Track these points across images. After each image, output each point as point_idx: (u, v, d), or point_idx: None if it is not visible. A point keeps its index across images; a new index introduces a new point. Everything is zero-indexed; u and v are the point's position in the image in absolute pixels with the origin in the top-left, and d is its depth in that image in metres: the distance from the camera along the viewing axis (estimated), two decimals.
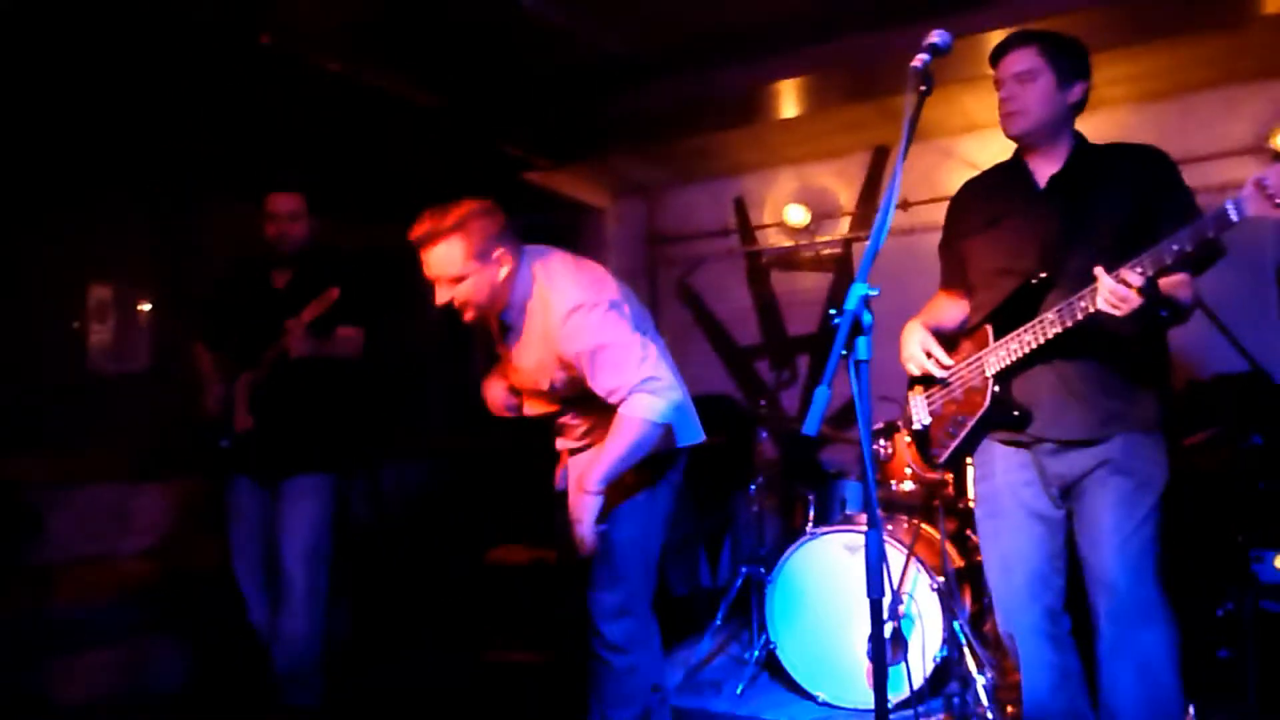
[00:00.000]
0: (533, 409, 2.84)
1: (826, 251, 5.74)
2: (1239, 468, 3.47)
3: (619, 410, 2.48)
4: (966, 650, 3.31)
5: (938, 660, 3.34)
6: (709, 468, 5.46)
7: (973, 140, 5.07)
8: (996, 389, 2.38)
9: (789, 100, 4.71)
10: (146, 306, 4.66)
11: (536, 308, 2.58)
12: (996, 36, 3.80)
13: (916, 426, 2.63)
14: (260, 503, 3.42)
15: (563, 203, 6.03)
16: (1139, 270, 2.00)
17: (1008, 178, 2.51)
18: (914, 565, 3.40)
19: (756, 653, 3.80)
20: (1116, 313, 2.04)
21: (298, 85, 4.09)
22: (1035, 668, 2.43)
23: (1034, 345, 2.28)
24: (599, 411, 2.61)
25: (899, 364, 2.65)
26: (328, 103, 4.30)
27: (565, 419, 2.81)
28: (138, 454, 4.22)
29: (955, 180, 3.36)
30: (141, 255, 4.59)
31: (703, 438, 2.81)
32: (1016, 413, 2.36)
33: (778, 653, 3.65)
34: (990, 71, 4.07)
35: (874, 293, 1.65)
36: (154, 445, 4.24)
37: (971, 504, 3.69)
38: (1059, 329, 2.22)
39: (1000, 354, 2.37)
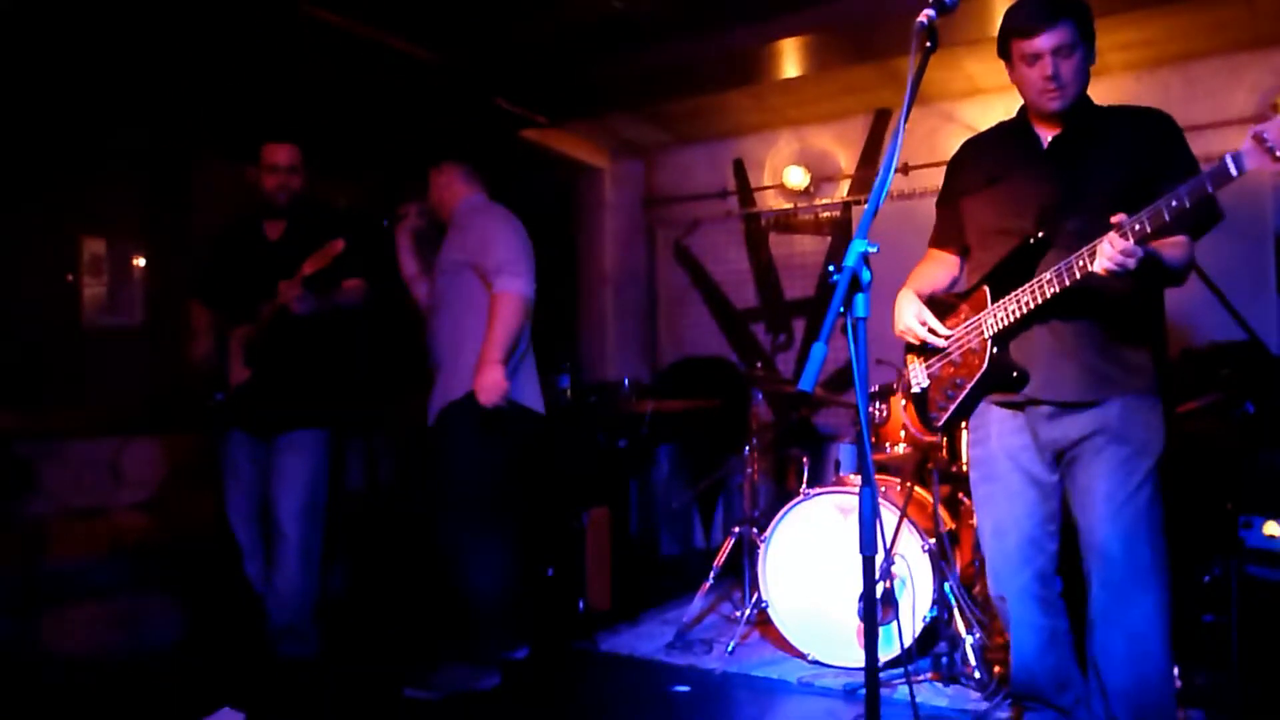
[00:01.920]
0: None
1: (825, 214, 5.71)
2: (1230, 435, 3.49)
3: (496, 291, 3.23)
4: (956, 611, 3.34)
5: (927, 620, 3.37)
6: (704, 430, 5.51)
7: (975, 105, 5.03)
8: (994, 350, 2.37)
9: (790, 61, 4.66)
10: (141, 261, 4.64)
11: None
12: (1002, 1, 3.79)
13: (915, 390, 2.62)
14: (255, 456, 3.43)
15: (560, 162, 5.99)
16: (1137, 227, 2.00)
17: (1011, 137, 2.48)
18: (906, 527, 3.42)
19: (748, 611, 3.84)
20: (1116, 269, 2.03)
21: (294, 40, 4.03)
22: (1024, 629, 2.46)
23: (1031, 306, 2.27)
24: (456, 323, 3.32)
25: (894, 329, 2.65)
26: (324, 58, 4.25)
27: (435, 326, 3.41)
28: (131, 408, 4.22)
29: (956, 145, 3.30)
30: (136, 209, 4.56)
31: (541, 410, 3.48)
32: (1015, 374, 2.35)
33: (769, 612, 3.68)
34: (994, 35, 4.01)
35: (873, 249, 1.64)
36: (148, 399, 4.24)
37: (965, 468, 3.72)
38: (1056, 288, 2.21)
39: (998, 315, 2.36)
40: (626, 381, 5.02)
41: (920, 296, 2.58)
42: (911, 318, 2.52)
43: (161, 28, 3.84)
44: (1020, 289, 2.30)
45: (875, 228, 1.70)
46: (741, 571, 4.05)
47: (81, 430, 4.08)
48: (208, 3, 3.71)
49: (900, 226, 3.79)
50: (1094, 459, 2.31)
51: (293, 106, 4.46)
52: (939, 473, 3.64)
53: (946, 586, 3.37)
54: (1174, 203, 1.94)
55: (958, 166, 2.64)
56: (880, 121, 5.51)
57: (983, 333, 2.40)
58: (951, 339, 2.49)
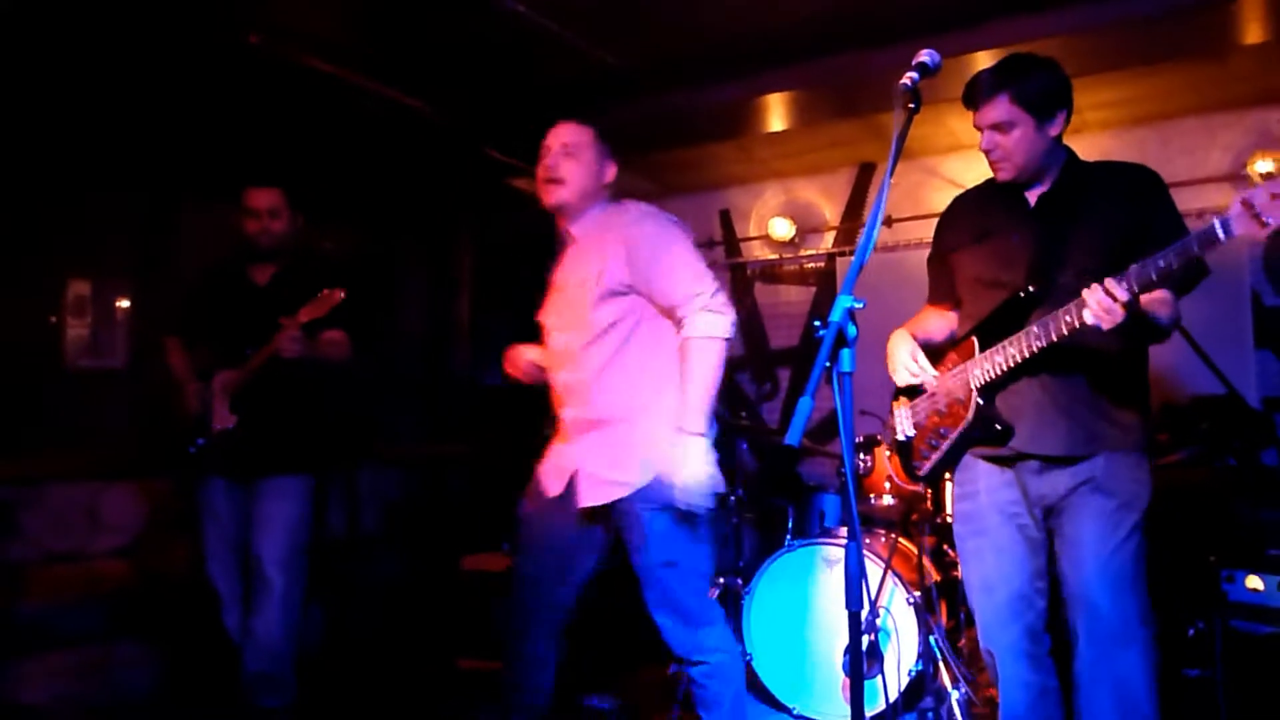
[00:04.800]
0: (554, 362, 2.72)
1: (810, 265, 5.77)
2: (1212, 488, 3.52)
3: (685, 334, 2.46)
4: (942, 665, 3.32)
5: (913, 674, 3.35)
6: None
7: (957, 160, 5.11)
8: (980, 402, 2.36)
9: (776, 115, 4.74)
10: (125, 303, 4.63)
11: (607, 216, 2.72)
12: (984, 58, 3.87)
13: (900, 438, 2.62)
14: (236, 503, 3.39)
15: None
16: (1124, 285, 2.00)
17: (999, 194, 2.50)
18: (891, 579, 3.41)
19: None
20: (1102, 325, 2.03)
21: (284, 86, 4.07)
22: (1013, 685, 2.43)
23: (1019, 358, 2.27)
24: (617, 371, 2.56)
25: (881, 379, 2.66)
26: (314, 104, 4.29)
27: (577, 375, 2.61)
28: (112, 452, 4.18)
29: (939, 198, 3.38)
30: (122, 252, 4.55)
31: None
32: (999, 427, 2.35)
33: (754, 664, 3.65)
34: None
35: (859, 305, 1.66)
36: (128, 443, 4.20)
37: (949, 519, 3.72)
38: (1043, 342, 2.21)
39: (985, 366, 2.36)
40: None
41: (915, 339, 2.59)
42: (905, 354, 2.52)
43: (153, 71, 3.87)
44: (1008, 340, 2.30)
45: (859, 279, 1.72)
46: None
47: (61, 474, 4.04)
48: (200, 48, 3.75)
49: (884, 278, 3.85)
50: (1081, 511, 2.31)
51: (281, 153, 4.49)
52: (924, 524, 3.65)
53: (932, 640, 3.35)
54: (1161, 263, 1.96)
55: (947, 223, 2.66)
56: (864, 175, 5.59)
57: (969, 383, 2.40)
58: (939, 385, 2.49)
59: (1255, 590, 2.97)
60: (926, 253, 2.75)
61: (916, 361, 2.50)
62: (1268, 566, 2.99)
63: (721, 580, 4.03)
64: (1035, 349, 2.23)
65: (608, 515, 2.59)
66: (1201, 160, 4.57)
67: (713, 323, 2.46)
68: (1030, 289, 2.31)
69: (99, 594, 4.03)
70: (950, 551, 3.93)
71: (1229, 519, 3.35)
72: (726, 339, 2.48)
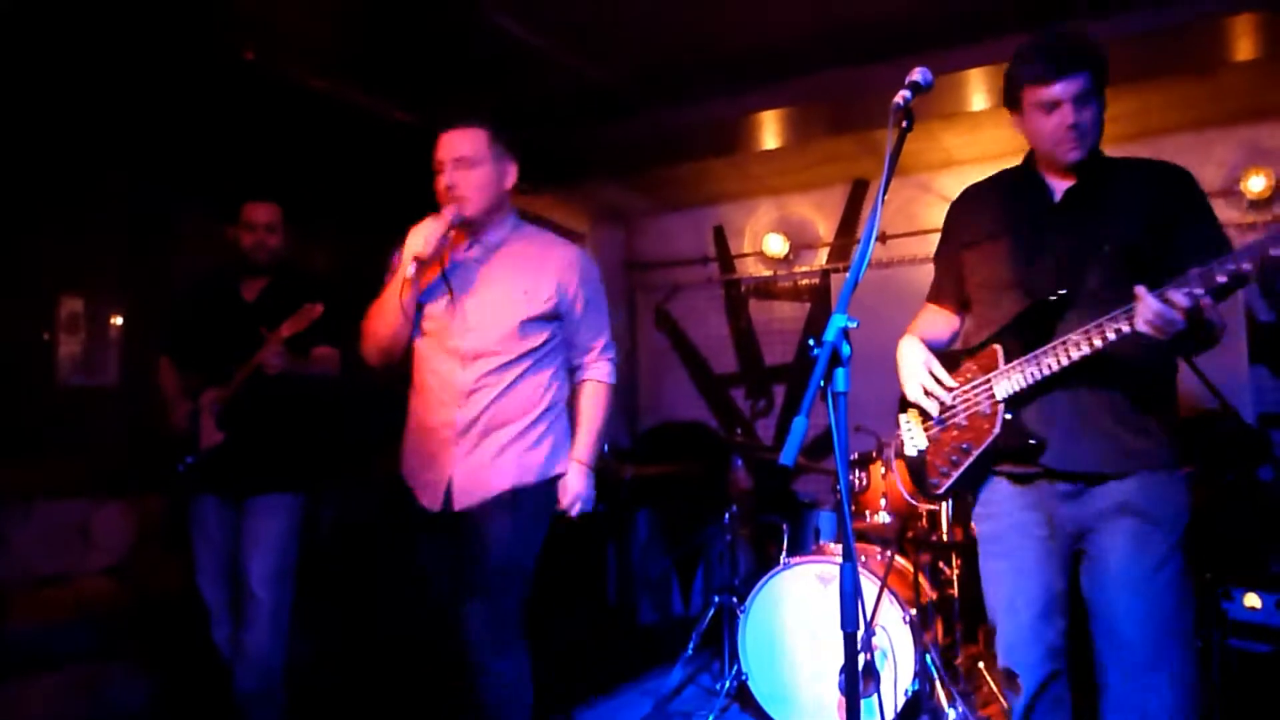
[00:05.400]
0: (445, 362, 2.67)
1: (804, 282, 5.77)
2: (1208, 505, 3.51)
3: (590, 376, 2.79)
4: (938, 683, 3.30)
5: (909, 693, 3.32)
6: (684, 495, 5.48)
7: (950, 176, 5.13)
8: (1008, 416, 2.21)
9: (770, 132, 4.75)
10: (118, 320, 4.61)
11: (529, 237, 2.78)
12: (977, 75, 3.89)
13: (910, 452, 2.44)
14: (226, 521, 3.37)
15: (541, 226, 6.03)
16: (1186, 291, 1.86)
17: (1018, 186, 2.34)
18: (887, 597, 3.39)
19: (728, 683, 3.78)
20: (1158, 336, 1.90)
21: (279, 101, 4.07)
22: (1033, 696, 2.28)
23: (1055, 369, 2.11)
24: (513, 385, 2.64)
25: (876, 396, 2.64)
26: (307, 119, 4.29)
27: (480, 379, 2.61)
28: (101, 469, 4.15)
29: (933, 215, 3.36)
30: (115, 268, 4.54)
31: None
32: (1032, 441, 2.18)
33: (749, 684, 3.62)
34: (969, 109, 4.11)
35: (853, 324, 1.65)
36: (118, 460, 4.17)
37: (945, 538, 3.71)
38: (1086, 351, 2.05)
39: (1014, 377, 2.20)
40: (605, 446, 5.00)
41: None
42: (919, 365, 2.36)
43: (147, 87, 3.87)
44: (1040, 350, 2.14)
45: (854, 295, 1.72)
46: (722, 640, 4.00)
47: (51, 492, 4.01)
48: (194, 64, 3.75)
49: (878, 295, 3.84)
50: (1112, 536, 2.16)
51: (274, 167, 4.48)
52: (920, 542, 3.63)
53: (928, 658, 3.33)
54: (1231, 265, 1.83)
55: (958, 216, 2.48)
56: (858, 191, 5.60)
57: (994, 395, 2.23)
58: (957, 398, 2.33)
59: (1253, 608, 2.96)
60: (920, 269, 2.71)
61: (932, 373, 2.35)
62: (1265, 584, 2.98)
63: (717, 598, 4.01)
64: (1075, 358, 2.08)
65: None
66: (1196, 175, 4.57)
67: (610, 371, 2.83)
68: (1061, 292, 2.15)
69: (89, 613, 3.99)
70: (946, 569, 3.91)
71: (1226, 536, 3.34)
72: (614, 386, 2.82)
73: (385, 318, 2.67)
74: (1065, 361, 2.10)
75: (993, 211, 2.37)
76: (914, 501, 2.57)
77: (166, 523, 4.11)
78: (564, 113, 4.70)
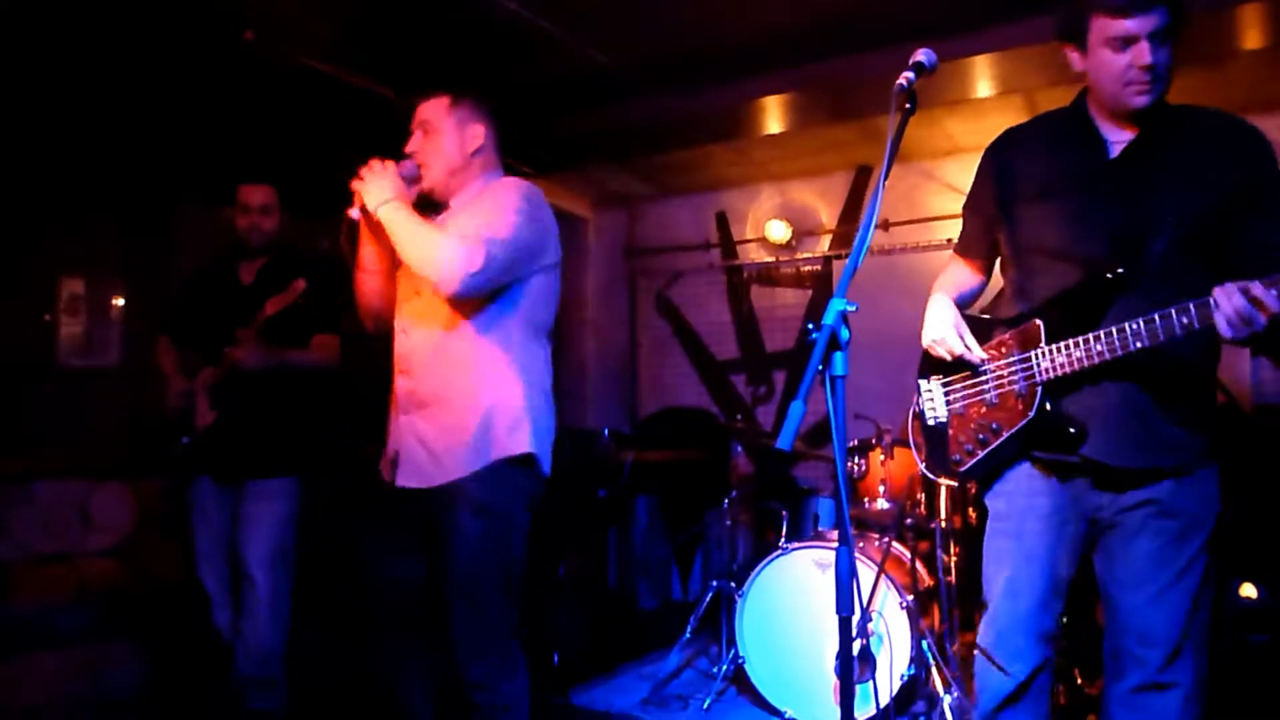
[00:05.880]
0: (402, 321, 2.52)
1: (807, 268, 5.76)
2: None
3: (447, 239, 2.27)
4: (934, 669, 3.31)
5: (905, 679, 3.34)
6: (684, 481, 5.49)
7: (954, 163, 5.10)
8: (1047, 404, 2.05)
9: (773, 118, 4.73)
10: (120, 301, 4.61)
11: (491, 189, 2.51)
12: (982, 62, 3.87)
13: (930, 422, 2.27)
14: (223, 503, 3.38)
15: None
16: (1275, 291, 1.71)
17: (1070, 137, 2.11)
18: (884, 583, 3.40)
19: (725, 667, 3.79)
20: (1234, 334, 1.76)
21: (277, 84, 4.06)
22: (1016, 678, 2.20)
23: (1108, 357, 1.94)
24: (462, 348, 2.39)
25: (875, 382, 2.62)
26: (307, 103, 4.28)
27: (416, 343, 2.46)
28: (102, 451, 4.16)
29: (936, 202, 3.34)
30: (116, 250, 4.54)
31: (547, 472, 2.50)
32: (1072, 430, 2.02)
33: (746, 668, 3.64)
34: (973, 96, 4.07)
35: (852, 308, 1.64)
36: (119, 442, 4.18)
37: (944, 524, 3.71)
38: (1145, 343, 1.88)
39: (1058, 359, 2.02)
40: (606, 431, 5.01)
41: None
42: (949, 327, 2.18)
43: (148, 71, 3.86)
44: (1091, 336, 1.96)
45: (855, 282, 1.70)
46: (720, 624, 4.01)
47: (51, 473, 4.02)
48: (195, 47, 3.74)
49: (881, 282, 3.83)
50: (1138, 537, 2.04)
51: (274, 151, 4.48)
52: (918, 529, 3.63)
53: (924, 644, 3.34)
54: None
55: (998, 165, 2.23)
56: (861, 178, 5.58)
57: (1033, 376, 2.07)
58: (990, 372, 2.15)
59: (1249, 598, 2.97)
60: (923, 256, 2.66)
61: (963, 338, 2.17)
62: (1261, 575, 2.98)
63: (715, 583, 4.02)
64: (1133, 349, 1.90)
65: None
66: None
67: (465, 260, 2.29)
68: (1119, 270, 1.96)
69: (89, 594, 4.01)
70: (945, 556, 3.92)
71: (1223, 526, 3.34)
72: (461, 277, 2.27)
73: (357, 277, 2.59)
74: (1121, 352, 1.92)
75: (1039, 165, 2.14)
76: (931, 475, 2.39)
77: (166, 505, 4.12)
78: (567, 97, 4.69)
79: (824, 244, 5.69)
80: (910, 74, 1.86)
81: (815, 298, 5.71)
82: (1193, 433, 2.00)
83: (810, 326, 1.64)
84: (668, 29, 3.96)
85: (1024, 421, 2.08)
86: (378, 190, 2.35)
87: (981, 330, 2.21)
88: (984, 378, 2.16)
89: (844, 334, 1.62)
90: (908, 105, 1.85)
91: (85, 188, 4.32)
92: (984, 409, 2.17)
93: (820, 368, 1.61)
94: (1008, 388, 2.12)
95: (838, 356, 1.61)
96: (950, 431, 2.23)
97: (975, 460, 2.18)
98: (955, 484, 3.55)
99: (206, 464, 3.35)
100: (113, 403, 4.35)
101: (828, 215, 5.70)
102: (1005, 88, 4.11)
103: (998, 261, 2.33)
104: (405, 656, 2.50)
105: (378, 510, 2.51)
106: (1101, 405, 2.01)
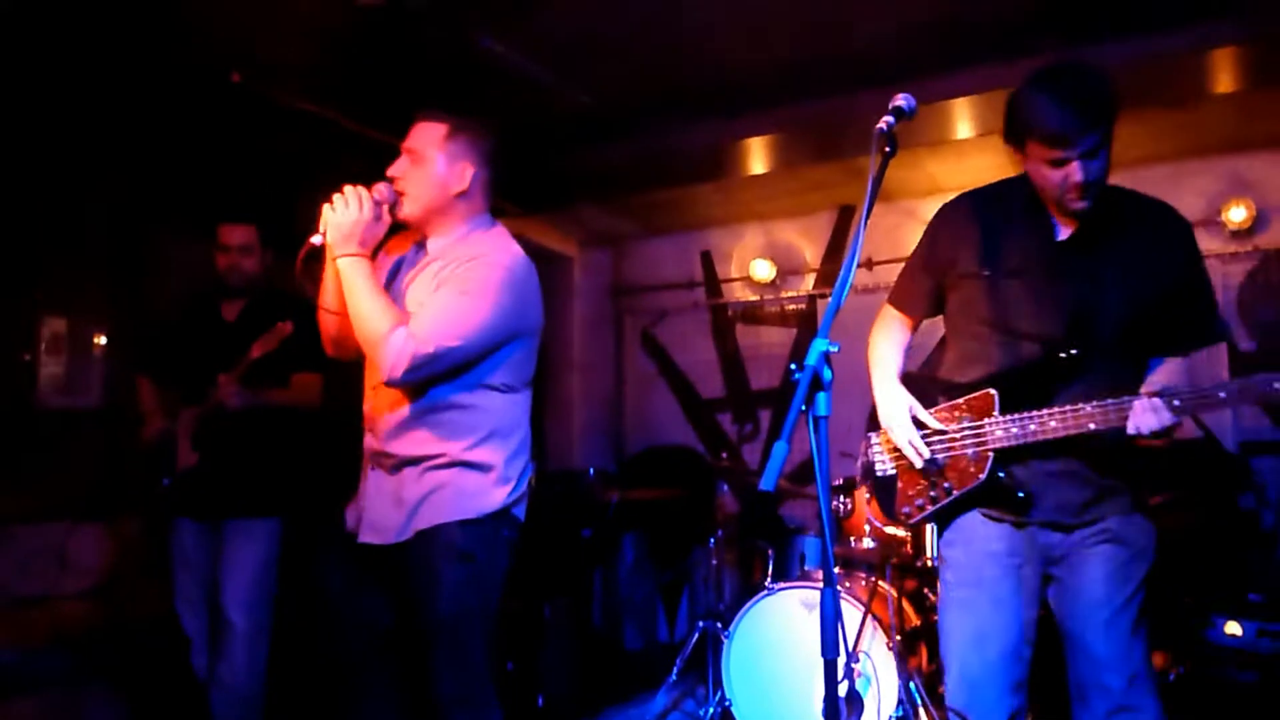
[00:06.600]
0: (371, 378, 2.39)
1: (791, 307, 5.79)
2: (1190, 533, 3.52)
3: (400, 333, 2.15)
4: (922, 710, 3.28)
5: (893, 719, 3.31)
6: (670, 520, 5.47)
7: (936, 203, 5.05)
8: (999, 472, 2.18)
9: (757, 158, 4.78)
10: (101, 340, 4.57)
11: (470, 244, 2.35)
12: (962, 104, 3.93)
13: (879, 474, 2.40)
14: (204, 544, 3.34)
15: (529, 250, 6.03)
16: (1177, 403, 1.96)
17: (1019, 214, 2.24)
18: (870, 624, 3.38)
19: (712, 710, 3.75)
20: (1142, 434, 1.99)
21: (263, 123, 4.08)
22: None
23: (1062, 435, 2.09)
24: (431, 410, 2.26)
25: (858, 420, 2.61)
26: (292, 142, 4.29)
27: (383, 403, 2.32)
28: (81, 491, 4.11)
29: (917, 242, 3.25)
30: (99, 288, 4.52)
31: (521, 520, 2.41)
32: (1021, 494, 2.17)
33: (733, 710, 3.60)
34: (954, 137, 4.12)
35: (834, 349, 1.65)
36: (99, 484, 4.13)
37: (930, 563, 3.70)
38: (1097, 428, 2.05)
39: (1011, 430, 2.15)
40: (592, 470, 4.99)
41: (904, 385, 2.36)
42: (906, 428, 2.28)
43: (127, 107, 3.87)
44: (1047, 412, 2.10)
45: (839, 321, 1.72)
46: (706, 666, 3.97)
47: (29, 515, 3.96)
48: (180, 85, 3.75)
49: (865, 320, 3.80)
50: (1091, 564, 2.16)
51: (258, 189, 4.48)
52: (904, 568, 3.62)
53: (912, 685, 3.32)
54: (1222, 395, 1.95)
55: (950, 233, 2.35)
56: (845, 217, 5.63)
57: (985, 443, 2.19)
58: (942, 438, 2.26)
59: (1234, 636, 2.96)
60: None
61: (913, 443, 2.26)
62: (1247, 612, 2.98)
63: (701, 623, 3.99)
64: (1087, 430, 2.06)
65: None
66: (1174, 206, 4.61)
67: (401, 355, 2.16)
68: (1073, 352, 2.12)
69: (66, 637, 3.94)
70: (930, 595, 3.90)
71: (1207, 564, 3.35)
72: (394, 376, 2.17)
73: (319, 314, 2.46)
74: (1074, 431, 2.07)
75: (993, 240, 2.26)
76: (875, 522, 2.52)
77: (145, 546, 4.07)
78: (552, 137, 4.72)
79: (808, 282, 5.73)
80: (890, 118, 1.91)
81: (800, 336, 5.73)
82: (1128, 483, 2.17)
83: (794, 367, 1.65)
84: (653, 71, 4.00)
85: (975, 484, 2.20)
86: (345, 234, 2.22)
87: (930, 390, 2.33)
88: (936, 441, 2.27)
89: (826, 374, 1.62)
90: (888, 148, 1.91)
91: (67, 226, 4.30)
92: (935, 468, 2.28)
93: (804, 408, 1.61)
94: (959, 451, 2.24)
95: (821, 397, 1.62)
96: (900, 485, 2.35)
97: (923, 515, 2.30)
98: (900, 532, 3.59)
99: (187, 505, 3.32)
100: (93, 444, 4.30)
101: (812, 254, 5.74)
102: (985, 129, 4.17)
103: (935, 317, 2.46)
104: (372, 700, 2.40)
105: (341, 553, 2.40)
106: (1044, 470, 2.17)
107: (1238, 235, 4.52)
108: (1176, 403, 1.97)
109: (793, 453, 1.61)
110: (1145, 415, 1.98)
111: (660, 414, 6.14)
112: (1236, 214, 4.43)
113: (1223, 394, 1.94)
